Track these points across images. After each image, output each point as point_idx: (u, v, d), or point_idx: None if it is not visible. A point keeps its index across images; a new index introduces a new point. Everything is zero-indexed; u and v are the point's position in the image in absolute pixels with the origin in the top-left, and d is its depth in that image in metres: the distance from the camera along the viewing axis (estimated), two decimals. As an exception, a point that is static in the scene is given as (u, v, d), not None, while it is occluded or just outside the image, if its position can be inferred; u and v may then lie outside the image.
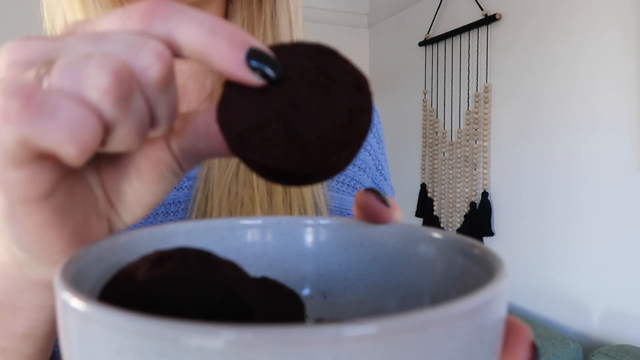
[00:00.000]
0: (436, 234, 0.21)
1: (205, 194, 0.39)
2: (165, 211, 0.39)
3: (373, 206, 0.22)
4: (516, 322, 0.16)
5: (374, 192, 0.22)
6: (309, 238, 0.23)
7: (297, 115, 0.17)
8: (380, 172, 0.52)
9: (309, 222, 0.23)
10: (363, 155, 0.49)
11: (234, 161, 0.39)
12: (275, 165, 0.16)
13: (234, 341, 0.10)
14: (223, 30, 0.17)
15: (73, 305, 0.12)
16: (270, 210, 0.39)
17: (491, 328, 0.13)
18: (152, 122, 0.17)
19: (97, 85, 0.15)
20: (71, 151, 0.15)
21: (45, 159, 0.16)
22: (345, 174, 0.47)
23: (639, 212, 1.36)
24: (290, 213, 0.40)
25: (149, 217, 0.39)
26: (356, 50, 2.66)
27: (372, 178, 0.51)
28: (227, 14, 0.45)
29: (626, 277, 1.40)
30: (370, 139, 0.51)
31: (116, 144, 0.16)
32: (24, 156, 0.15)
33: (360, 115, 0.18)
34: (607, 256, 1.45)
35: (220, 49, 0.17)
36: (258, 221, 0.23)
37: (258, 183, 0.39)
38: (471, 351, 0.13)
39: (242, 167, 0.39)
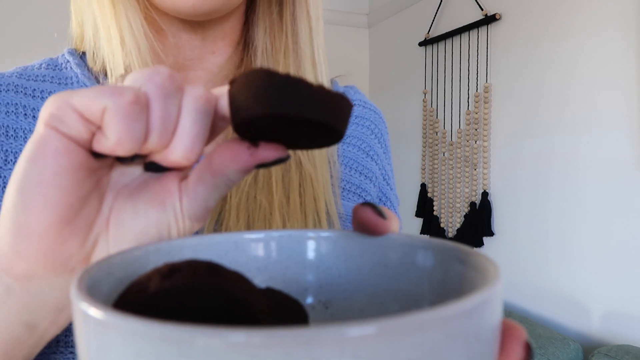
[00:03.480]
0: (433, 243, 0.22)
1: (223, 197, 0.39)
2: None
3: (370, 219, 0.22)
4: (511, 323, 0.17)
5: (370, 205, 0.23)
6: (309, 250, 0.24)
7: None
8: (387, 182, 0.53)
9: (310, 234, 0.24)
10: (370, 164, 0.50)
11: None
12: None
13: (249, 342, 0.11)
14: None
15: (92, 314, 0.13)
16: (287, 214, 0.40)
17: (488, 328, 0.14)
18: (147, 133, 0.20)
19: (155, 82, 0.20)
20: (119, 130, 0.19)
21: (86, 145, 0.20)
22: (352, 183, 0.48)
23: (639, 212, 1.36)
24: (305, 216, 0.41)
25: None
26: (356, 50, 2.66)
27: (379, 187, 0.51)
28: (248, 24, 0.46)
29: (626, 277, 1.40)
30: (377, 148, 0.52)
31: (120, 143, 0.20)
32: (81, 129, 0.19)
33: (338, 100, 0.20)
34: (607, 256, 1.45)
35: None
36: (260, 235, 0.24)
37: (277, 188, 0.40)
38: (470, 351, 0.13)
39: (261, 172, 0.41)
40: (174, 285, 0.16)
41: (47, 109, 0.19)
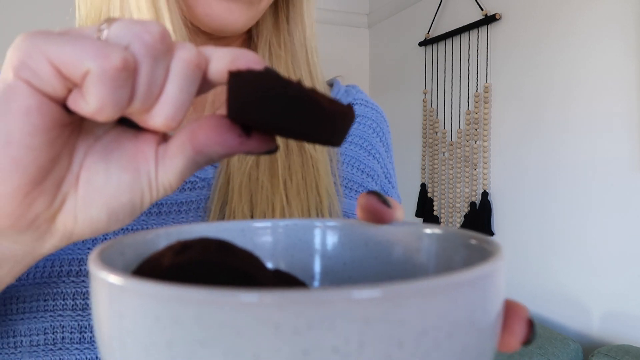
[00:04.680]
0: (436, 230, 0.22)
1: (226, 178, 0.40)
2: (177, 210, 0.40)
3: (375, 207, 0.22)
4: (514, 302, 0.17)
5: (375, 194, 0.22)
6: (315, 239, 0.25)
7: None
8: (389, 181, 0.53)
9: (316, 224, 0.25)
10: (372, 163, 0.50)
11: None
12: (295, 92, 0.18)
13: (262, 302, 0.11)
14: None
15: (111, 281, 0.14)
16: (289, 195, 0.41)
17: (492, 301, 0.15)
18: (132, 97, 0.18)
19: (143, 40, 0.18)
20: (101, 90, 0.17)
21: (61, 101, 0.18)
22: (354, 181, 0.48)
23: (639, 212, 1.37)
24: (307, 197, 0.41)
25: (161, 215, 0.39)
26: (356, 50, 2.66)
27: (380, 186, 0.51)
28: (250, 31, 0.47)
29: (626, 277, 1.41)
30: (379, 147, 0.52)
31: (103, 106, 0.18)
32: (56, 86, 0.17)
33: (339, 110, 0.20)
34: (607, 256, 1.46)
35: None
36: (267, 224, 0.24)
37: (280, 170, 0.41)
38: (475, 319, 0.14)
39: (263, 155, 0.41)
40: (186, 260, 0.16)
41: (17, 52, 0.17)
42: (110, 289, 0.14)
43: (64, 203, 0.21)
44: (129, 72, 0.17)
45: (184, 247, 0.17)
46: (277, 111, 0.18)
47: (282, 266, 0.24)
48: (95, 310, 0.15)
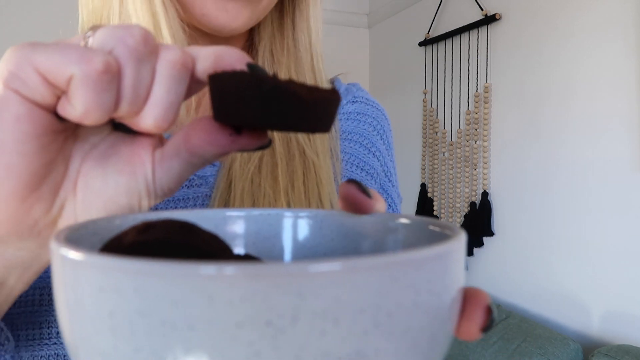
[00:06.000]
0: (406, 220, 0.22)
1: (228, 183, 0.40)
2: (174, 207, 0.40)
3: (355, 197, 0.22)
4: (475, 289, 0.17)
5: (355, 183, 0.22)
6: (294, 229, 0.24)
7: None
8: (389, 179, 0.53)
9: (294, 214, 0.24)
10: (372, 161, 0.50)
11: (256, 155, 0.41)
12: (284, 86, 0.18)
13: (197, 273, 0.11)
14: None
15: (61, 253, 0.14)
16: (291, 201, 0.41)
17: (441, 283, 0.15)
18: (118, 99, 0.19)
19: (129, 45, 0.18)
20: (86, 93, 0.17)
21: (51, 108, 0.19)
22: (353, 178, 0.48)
23: (639, 212, 1.36)
24: (309, 204, 0.41)
25: (157, 211, 0.39)
26: (356, 50, 2.66)
27: (379, 183, 0.51)
28: (252, 32, 0.47)
29: (626, 277, 1.40)
30: (380, 145, 0.52)
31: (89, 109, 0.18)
32: (44, 93, 0.18)
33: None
34: (607, 256, 1.45)
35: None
36: (246, 213, 0.24)
37: (281, 177, 0.41)
38: (419, 301, 0.14)
39: (265, 160, 0.41)
40: (148, 239, 0.16)
41: (7, 64, 0.18)
42: (62, 261, 0.14)
43: (63, 209, 0.21)
44: (112, 75, 0.18)
45: (147, 227, 0.17)
46: (256, 108, 0.18)
47: (262, 255, 0.24)
48: (53, 282, 0.15)
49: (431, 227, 0.21)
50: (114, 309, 0.12)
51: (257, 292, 0.11)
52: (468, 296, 0.17)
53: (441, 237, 0.19)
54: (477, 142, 1.88)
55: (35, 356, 0.34)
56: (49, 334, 0.34)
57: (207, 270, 0.11)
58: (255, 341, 0.11)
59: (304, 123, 0.19)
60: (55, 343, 0.34)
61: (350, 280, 0.12)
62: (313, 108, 0.19)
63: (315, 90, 0.19)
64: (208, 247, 0.17)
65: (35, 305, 0.35)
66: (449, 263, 0.15)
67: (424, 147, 2.21)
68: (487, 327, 0.17)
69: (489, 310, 0.17)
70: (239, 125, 0.21)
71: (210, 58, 0.20)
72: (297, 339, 0.12)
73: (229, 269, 0.11)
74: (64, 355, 0.35)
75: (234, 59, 0.20)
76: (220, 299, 0.11)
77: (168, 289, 0.11)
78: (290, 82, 0.18)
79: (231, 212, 0.24)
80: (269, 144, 0.22)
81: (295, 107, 0.18)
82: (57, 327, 0.35)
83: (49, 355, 0.34)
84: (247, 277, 0.11)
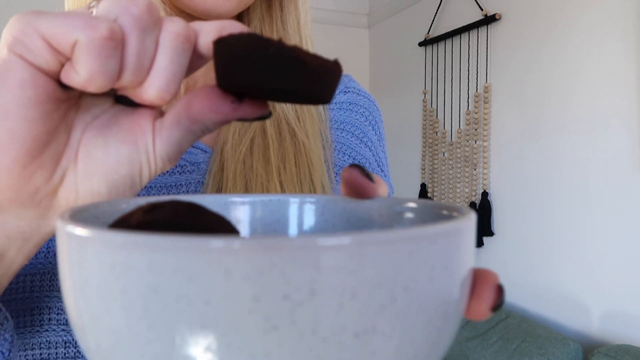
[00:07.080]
0: (412, 204, 0.22)
1: (220, 166, 0.40)
2: (166, 193, 0.40)
3: (358, 181, 0.22)
4: (484, 269, 0.17)
5: (358, 167, 0.22)
6: (297, 214, 0.24)
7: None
8: (381, 169, 0.53)
9: (297, 199, 0.24)
10: (364, 150, 0.50)
11: (248, 136, 0.42)
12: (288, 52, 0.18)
13: (213, 247, 0.11)
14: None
15: (69, 230, 0.14)
16: (283, 182, 0.41)
17: (453, 260, 0.14)
18: (122, 68, 0.19)
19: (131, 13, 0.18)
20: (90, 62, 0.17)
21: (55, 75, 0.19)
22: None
23: (639, 212, 1.36)
24: (301, 184, 0.41)
25: (149, 195, 0.39)
26: (356, 50, 2.66)
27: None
28: (241, 15, 0.47)
29: (626, 277, 1.40)
30: (371, 135, 0.52)
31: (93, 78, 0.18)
32: (49, 59, 0.18)
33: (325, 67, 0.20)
34: (607, 256, 1.45)
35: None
36: (248, 198, 0.24)
37: (273, 158, 0.41)
38: (434, 276, 0.14)
39: (256, 141, 0.41)
40: (154, 219, 0.16)
41: (11, 30, 0.18)
42: (69, 239, 0.14)
43: (64, 177, 0.21)
44: (116, 42, 0.18)
45: (153, 207, 0.17)
46: (260, 72, 0.18)
47: None
48: (59, 262, 0.15)
49: (438, 210, 0.21)
50: (127, 286, 0.12)
51: (274, 265, 0.11)
52: (478, 276, 0.17)
53: (450, 218, 0.19)
54: (477, 142, 1.88)
55: (27, 344, 0.34)
56: (40, 321, 0.34)
57: (223, 244, 0.11)
58: (272, 315, 0.11)
59: (307, 90, 0.19)
60: (47, 330, 0.34)
61: (367, 253, 0.12)
62: (317, 75, 0.19)
63: (319, 58, 0.19)
64: (215, 228, 0.17)
65: (27, 292, 0.34)
66: (462, 240, 0.15)
67: (424, 147, 2.21)
68: (497, 306, 0.17)
69: (499, 289, 0.17)
70: (241, 93, 0.21)
71: (212, 32, 0.20)
72: (315, 312, 0.11)
73: (246, 243, 0.11)
74: (56, 343, 0.34)
75: (237, 31, 0.20)
76: (237, 272, 0.11)
77: (184, 263, 0.11)
78: (295, 48, 0.18)
79: (234, 198, 0.24)
80: (269, 114, 0.22)
81: (299, 71, 0.18)
82: (49, 314, 0.34)
83: (40, 343, 0.34)
84: (265, 251, 0.11)
